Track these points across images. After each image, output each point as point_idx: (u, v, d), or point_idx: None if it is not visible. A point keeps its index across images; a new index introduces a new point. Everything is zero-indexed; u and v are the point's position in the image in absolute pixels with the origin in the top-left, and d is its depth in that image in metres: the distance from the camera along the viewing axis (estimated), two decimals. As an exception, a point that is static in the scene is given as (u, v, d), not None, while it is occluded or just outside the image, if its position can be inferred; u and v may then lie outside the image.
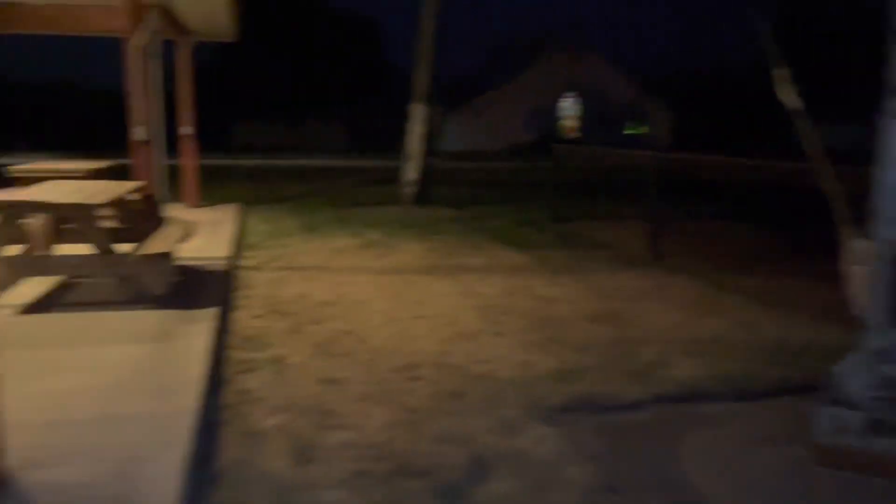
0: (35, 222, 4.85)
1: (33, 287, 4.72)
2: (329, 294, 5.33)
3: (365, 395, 3.36)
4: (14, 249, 4.45)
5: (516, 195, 13.24)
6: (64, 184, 5.12)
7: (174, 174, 8.96)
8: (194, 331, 3.93)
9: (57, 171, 6.99)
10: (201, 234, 6.89)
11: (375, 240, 7.81)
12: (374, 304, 5.09)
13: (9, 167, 6.83)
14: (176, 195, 9.19)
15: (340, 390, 3.42)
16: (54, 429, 2.62)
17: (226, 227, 7.93)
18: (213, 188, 11.83)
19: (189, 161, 9.79)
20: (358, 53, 37.87)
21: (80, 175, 6.67)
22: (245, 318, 4.58)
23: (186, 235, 5.13)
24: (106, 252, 4.32)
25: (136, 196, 5.37)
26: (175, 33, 8.63)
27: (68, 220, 4.79)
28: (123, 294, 4.59)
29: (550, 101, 34.84)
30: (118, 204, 4.75)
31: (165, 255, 4.26)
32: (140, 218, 5.51)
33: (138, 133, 5.55)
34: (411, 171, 11.20)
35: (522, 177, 18.05)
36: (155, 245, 4.45)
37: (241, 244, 7.23)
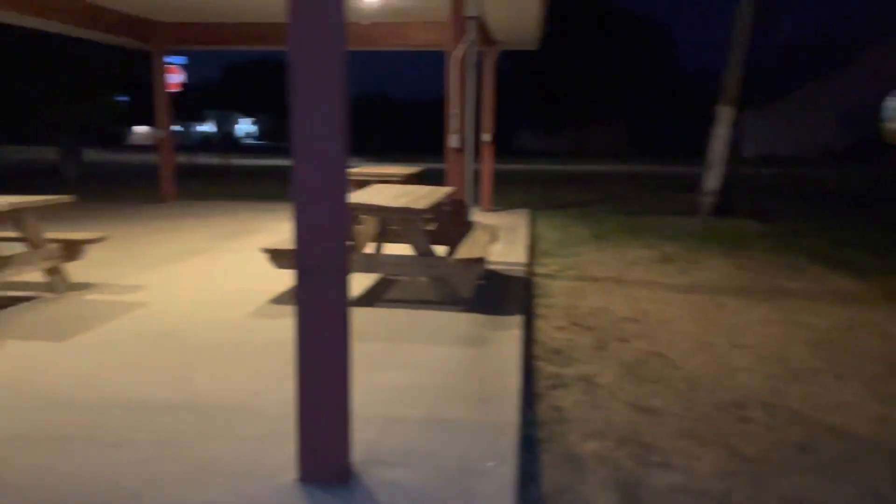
0: (365, 223, 5.33)
1: (358, 282, 5.19)
2: (630, 310, 5.05)
3: (687, 432, 3.03)
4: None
5: (836, 208, 11.59)
6: (388, 188, 5.55)
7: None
8: (503, 338, 3.94)
9: (377, 175, 7.70)
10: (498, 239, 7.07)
11: (673, 253, 7.32)
12: (681, 325, 4.69)
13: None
14: (472, 199, 9.62)
15: (658, 421, 3.14)
16: (390, 426, 2.74)
17: (519, 233, 8.07)
18: (502, 193, 12.24)
19: (486, 167, 10.20)
20: (643, 56, 36.73)
21: (397, 179, 7.24)
22: (548, 329, 4.51)
23: (493, 240, 5.24)
24: (425, 254, 4.56)
25: (448, 200, 5.63)
26: (483, 44, 9.02)
27: (392, 222, 5.18)
28: (434, 295, 4.81)
29: (871, 99, 30.15)
30: (434, 208, 5.00)
31: (479, 261, 4.35)
32: (450, 221, 5.78)
33: (453, 140, 5.81)
34: (712, 179, 10.36)
35: (840, 186, 15.80)
36: (469, 249, 4.59)
37: (534, 250, 7.28)
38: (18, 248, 4.57)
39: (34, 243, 4.47)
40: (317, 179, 2.20)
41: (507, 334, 4.01)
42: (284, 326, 4.14)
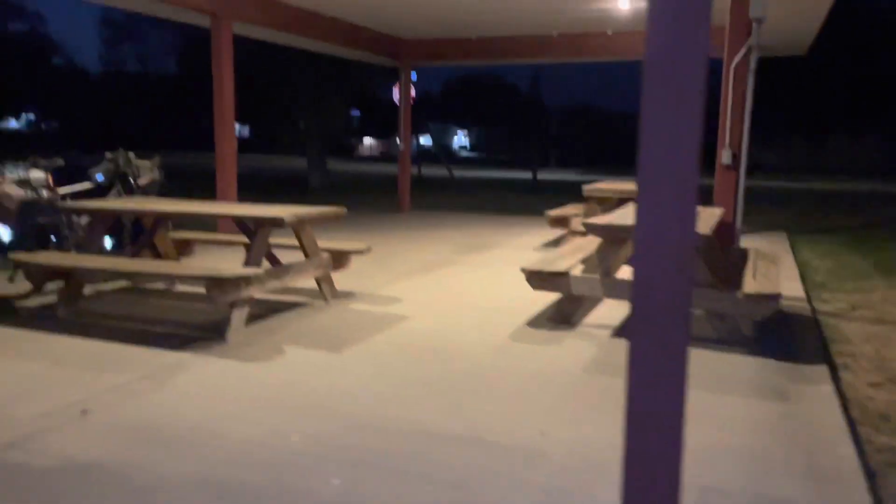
0: (621, 245, 4.90)
1: (610, 310, 4.80)
2: (960, 367, 4.10)
3: None
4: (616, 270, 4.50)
5: None
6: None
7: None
8: (810, 393, 3.32)
9: (619, 191, 7.24)
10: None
11: None
12: None
13: (584, 186, 7.35)
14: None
15: None
16: (708, 497, 2.32)
17: (783, 261, 7.12)
18: (745, 212, 11.09)
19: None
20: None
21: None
22: (859, 385, 3.76)
23: (776, 271, 4.57)
24: (703, 284, 4.04)
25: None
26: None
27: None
28: (710, 332, 4.26)
29: None
30: (712, 232, 4.45)
31: (775, 297, 3.75)
32: (717, 247, 5.17)
33: (724, 156, 5.22)
34: None
35: None
36: (759, 282, 4.00)
37: (807, 282, 6.35)
38: (290, 255, 4.81)
39: (309, 252, 4.67)
40: (665, 205, 1.84)
41: (814, 389, 3.38)
42: (547, 355, 3.88)
